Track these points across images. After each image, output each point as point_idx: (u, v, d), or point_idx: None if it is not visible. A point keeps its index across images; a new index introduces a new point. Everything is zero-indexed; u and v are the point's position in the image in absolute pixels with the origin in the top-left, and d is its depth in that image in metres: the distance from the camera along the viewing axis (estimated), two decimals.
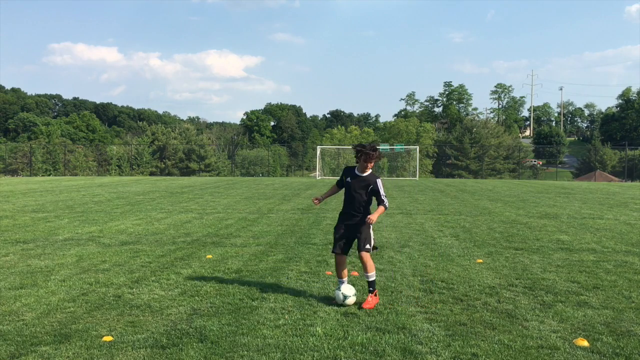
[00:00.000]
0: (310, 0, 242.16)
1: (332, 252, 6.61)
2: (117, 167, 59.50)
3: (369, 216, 6.35)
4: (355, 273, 7.93)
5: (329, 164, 60.89)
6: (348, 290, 6.37)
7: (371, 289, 6.38)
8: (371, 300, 6.27)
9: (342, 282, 6.51)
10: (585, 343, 5.08)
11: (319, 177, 49.15)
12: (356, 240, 6.52)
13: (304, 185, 31.68)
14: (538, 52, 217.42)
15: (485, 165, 66.01)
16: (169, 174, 61.28)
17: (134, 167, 60.91)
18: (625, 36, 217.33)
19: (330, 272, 7.95)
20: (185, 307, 6.20)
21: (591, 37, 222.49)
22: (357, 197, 6.47)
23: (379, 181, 6.51)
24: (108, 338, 5.14)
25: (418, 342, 5.09)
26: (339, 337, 5.24)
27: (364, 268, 6.40)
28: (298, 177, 62.07)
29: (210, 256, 9.24)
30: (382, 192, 6.49)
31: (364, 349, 4.92)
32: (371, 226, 6.52)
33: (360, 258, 6.41)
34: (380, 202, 6.48)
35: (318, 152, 53.33)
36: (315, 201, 6.82)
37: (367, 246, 6.41)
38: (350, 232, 6.52)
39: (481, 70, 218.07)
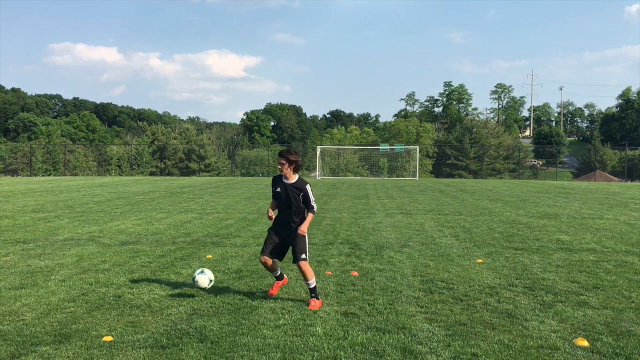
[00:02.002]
0: (310, 0, 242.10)
1: (261, 254, 6.55)
2: (117, 167, 59.50)
3: (300, 228, 6.32)
4: (355, 273, 7.93)
5: (329, 164, 60.90)
6: (205, 279, 6.52)
7: (313, 295, 6.34)
8: (314, 304, 6.24)
9: (274, 274, 6.62)
10: (585, 343, 5.08)
11: (319, 177, 49.15)
12: (291, 249, 6.50)
13: None
14: (538, 52, 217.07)
15: (485, 165, 66.01)
16: (169, 174, 61.27)
17: (134, 167, 60.90)
18: (625, 36, 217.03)
19: (330, 272, 7.95)
20: (185, 307, 6.20)
21: (591, 37, 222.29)
22: (291, 205, 6.41)
23: (308, 187, 6.42)
24: (108, 338, 5.14)
25: (418, 342, 5.09)
26: (339, 337, 5.24)
27: (304, 277, 6.38)
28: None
29: (210, 256, 9.24)
30: (311, 198, 6.42)
31: (364, 349, 4.92)
32: (306, 235, 6.49)
33: (299, 268, 6.39)
34: (309, 208, 6.43)
35: (318, 152, 53.34)
36: (272, 215, 6.62)
37: (303, 255, 6.38)
38: (283, 239, 6.49)
39: (481, 70, 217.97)
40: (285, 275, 6.86)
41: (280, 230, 6.51)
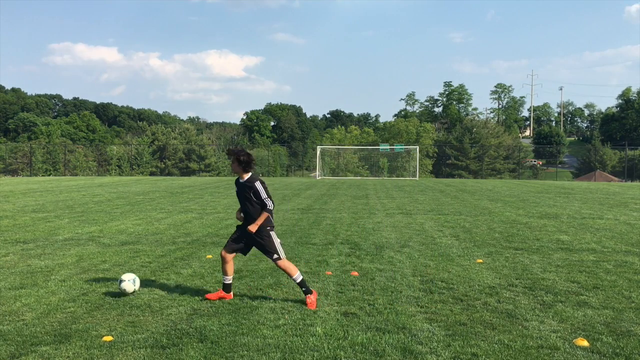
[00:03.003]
0: (310, 0, 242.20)
1: (222, 249, 6.58)
2: (117, 167, 59.51)
3: (248, 227, 6.28)
4: (355, 273, 7.93)
5: (329, 164, 60.90)
6: (129, 286, 6.55)
7: (303, 289, 6.34)
8: (311, 301, 6.24)
9: (225, 279, 6.49)
10: (585, 343, 5.08)
11: (319, 177, 49.14)
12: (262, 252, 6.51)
13: (304, 185, 31.68)
14: (538, 52, 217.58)
15: (485, 165, 66.01)
16: (169, 174, 61.26)
17: (134, 167, 60.91)
18: (625, 36, 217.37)
19: (330, 272, 7.95)
20: (185, 307, 6.20)
21: (591, 37, 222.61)
22: (247, 204, 6.38)
23: (257, 183, 6.33)
24: (108, 338, 5.14)
25: (418, 342, 5.09)
26: (339, 337, 5.23)
27: (287, 274, 6.40)
28: (298, 177, 62.08)
29: (210, 256, 9.24)
30: (262, 194, 6.30)
31: (364, 349, 4.92)
32: (271, 234, 6.41)
33: (278, 267, 6.43)
34: (262, 206, 6.33)
35: (318, 152, 53.34)
36: (239, 217, 6.63)
37: (276, 255, 6.36)
38: (246, 237, 6.44)
39: (481, 70, 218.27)
40: (232, 293, 6.56)
41: (242, 227, 6.49)
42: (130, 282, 6.58)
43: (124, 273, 6.80)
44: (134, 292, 6.60)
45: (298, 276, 6.37)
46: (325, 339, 5.18)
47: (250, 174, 6.43)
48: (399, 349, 4.94)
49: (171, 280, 7.46)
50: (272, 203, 6.38)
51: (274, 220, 6.59)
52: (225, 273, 6.50)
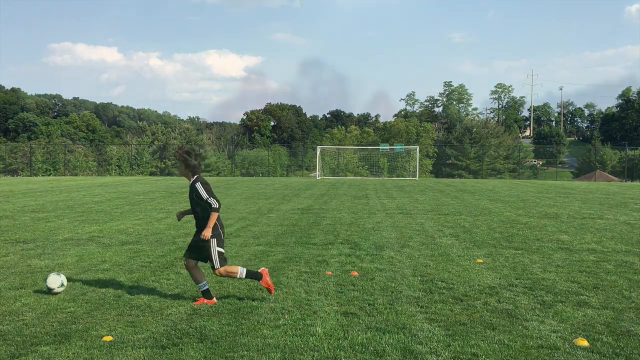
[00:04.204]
0: (310, 0, 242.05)
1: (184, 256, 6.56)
2: (117, 167, 59.48)
3: (202, 233, 6.10)
4: (355, 273, 7.93)
5: (329, 164, 60.90)
6: (53, 283, 6.60)
7: (256, 280, 6.38)
8: (267, 285, 6.33)
9: (200, 286, 6.32)
10: (585, 343, 5.08)
11: (319, 177, 49.14)
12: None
13: (304, 185, 31.69)
14: (538, 52, 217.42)
15: (485, 165, 66.02)
16: (169, 174, 61.26)
17: (134, 167, 60.89)
18: (625, 36, 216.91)
19: (330, 272, 7.95)
20: (185, 307, 6.20)
21: (591, 37, 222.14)
22: (193, 208, 6.29)
23: (198, 184, 6.14)
24: (108, 338, 5.14)
25: (418, 342, 5.09)
26: (339, 337, 5.23)
27: (232, 278, 6.45)
28: (298, 177, 62.06)
29: None
30: (203, 194, 6.09)
31: (364, 349, 4.92)
32: (212, 241, 6.16)
33: (220, 275, 6.33)
34: (208, 207, 6.09)
35: (318, 152, 53.33)
36: (178, 216, 6.65)
37: (212, 265, 6.27)
38: (198, 242, 6.31)
39: (481, 70, 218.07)
40: (214, 299, 6.33)
41: (196, 233, 6.38)
42: (44, 289, 6.63)
43: (51, 275, 6.74)
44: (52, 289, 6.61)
45: (242, 272, 6.32)
46: (325, 339, 5.18)
47: (197, 176, 6.31)
48: (399, 349, 4.94)
49: (171, 280, 7.45)
50: (217, 202, 6.13)
51: (223, 225, 6.44)
52: (196, 281, 6.36)
